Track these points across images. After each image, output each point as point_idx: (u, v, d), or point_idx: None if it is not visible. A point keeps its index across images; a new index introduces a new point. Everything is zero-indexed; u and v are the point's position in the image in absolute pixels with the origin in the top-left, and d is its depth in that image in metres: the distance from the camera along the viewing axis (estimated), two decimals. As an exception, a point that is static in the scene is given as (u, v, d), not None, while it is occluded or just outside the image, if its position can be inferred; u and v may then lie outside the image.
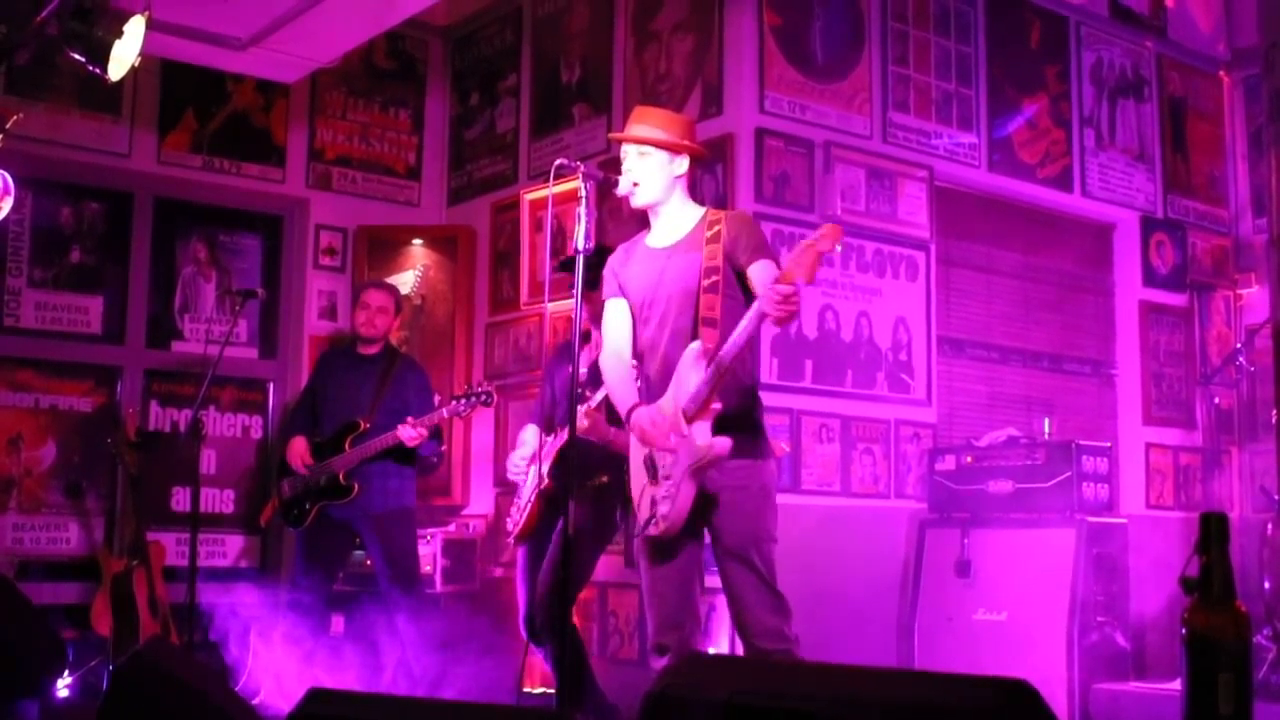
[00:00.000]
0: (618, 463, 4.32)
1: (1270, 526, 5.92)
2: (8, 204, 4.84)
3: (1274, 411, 5.45)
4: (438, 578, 6.61)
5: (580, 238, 3.85)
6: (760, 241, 3.91)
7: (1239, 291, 7.68)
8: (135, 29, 4.49)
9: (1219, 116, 7.82)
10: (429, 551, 6.63)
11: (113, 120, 6.81)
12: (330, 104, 7.46)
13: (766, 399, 4.14)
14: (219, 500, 6.96)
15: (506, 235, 7.16)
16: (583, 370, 4.80)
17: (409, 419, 5.69)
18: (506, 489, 6.43)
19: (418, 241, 7.48)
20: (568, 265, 4.91)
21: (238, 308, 6.50)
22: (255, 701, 5.47)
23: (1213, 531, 2.12)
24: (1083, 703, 5.30)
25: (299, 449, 5.90)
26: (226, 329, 6.37)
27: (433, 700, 4.20)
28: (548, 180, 3.90)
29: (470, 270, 7.36)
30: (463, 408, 5.66)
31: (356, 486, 5.77)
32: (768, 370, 5.65)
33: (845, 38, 6.18)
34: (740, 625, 3.82)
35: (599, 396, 4.58)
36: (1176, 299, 7.44)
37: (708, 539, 3.92)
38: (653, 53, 6.36)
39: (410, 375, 6.06)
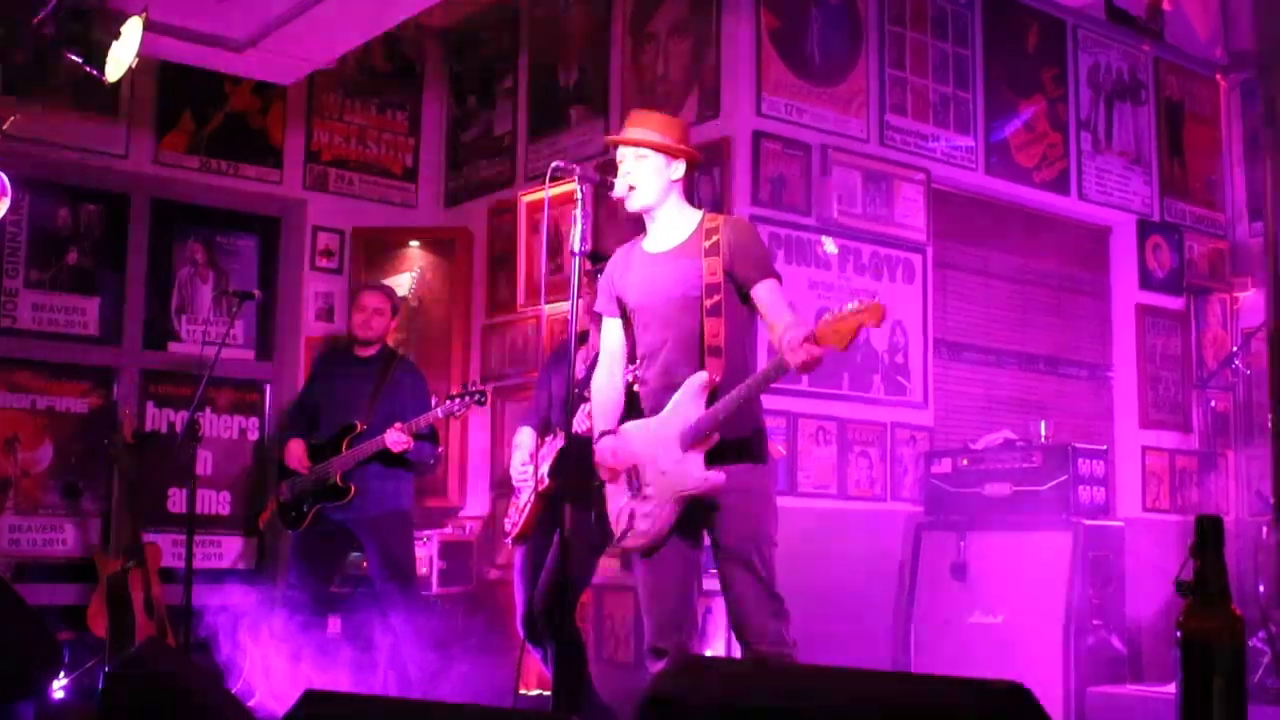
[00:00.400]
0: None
1: (1265, 530, 5.93)
2: (5, 205, 4.85)
3: (1269, 415, 5.46)
4: (434, 579, 6.61)
5: (576, 240, 3.85)
6: (763, 257, 3.91)
7: (1235, 295, 7.69)
8: (132, 30, 4.50)
9: (1216, 120, 7.83)
10: (426, 553, 6.63)
11: (110, 121, 6.80)
12: (327, 106, 7.46)
13: (764, 402, 4.13)
14: (215, 502, 6.96)
15: (503, 237, 7.16)
16: (581, 370, 4.81)
17: (396, 424, 5.69)
18: (503, 490, 6.43)
19: (415, 243, 7.48)
20: (596, 258, 4.91)
21: (235, 309, 6.50)
22: (251, 703, 5.47)
23: (1208, 535, 2.12)
24: (1078, 706, 5.30)
25: (296, 451, 5.91)
26: (223, 330, 6.36)
27: (429, 702, 4.19)
28: (545, 182, 3.90)
29: (467, 272, 7.36)
30: (457, 407, 5.67)
31: (353, 488, 5.77)
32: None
33: (842, 41, 6.19)
34: (739, 628, 3.82)
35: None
36: (1173, 302, 7.45)
37: (706, 541, 3.92)
38: (650, 55, 6.36)
39: (407, 378, 6.06)
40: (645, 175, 3.91)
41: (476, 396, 5.67)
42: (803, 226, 5.96)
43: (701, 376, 3.75)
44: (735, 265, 3.83)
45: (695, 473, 3.70)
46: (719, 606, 5.20)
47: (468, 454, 7.20)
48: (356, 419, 5.87)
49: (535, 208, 6.87)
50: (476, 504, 7.13)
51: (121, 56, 4.54)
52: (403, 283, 7.32)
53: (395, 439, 5.67)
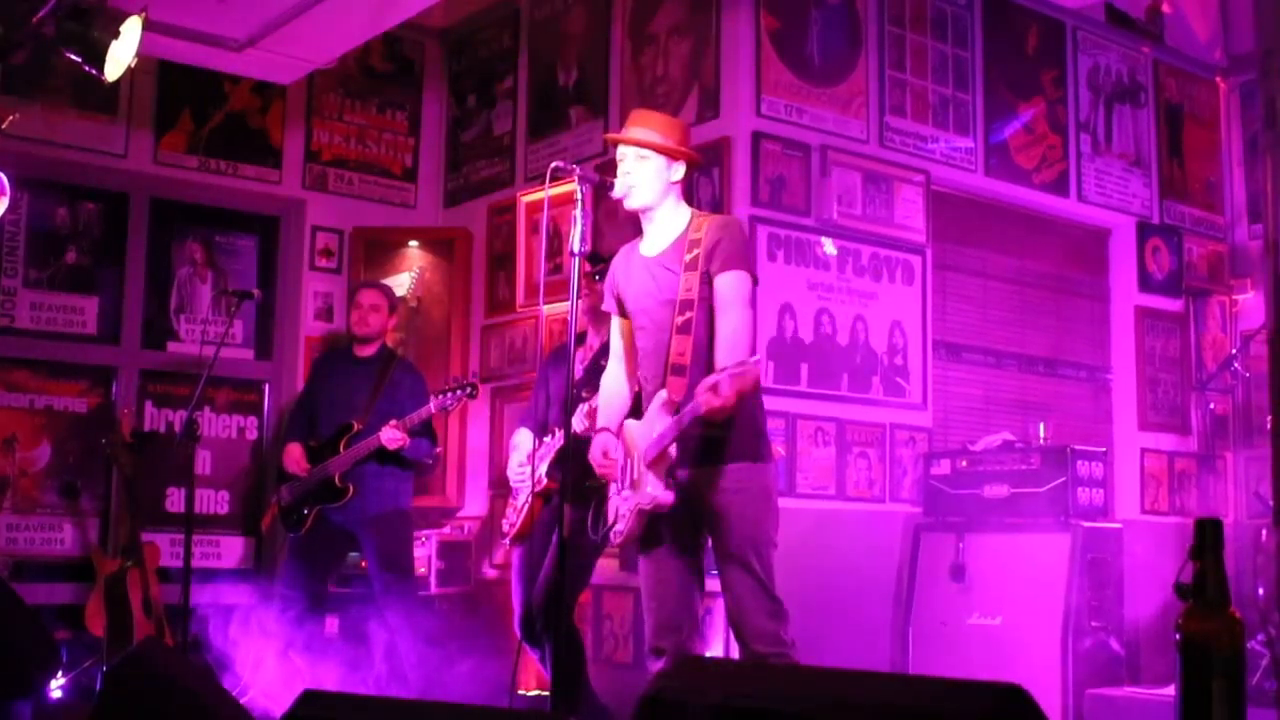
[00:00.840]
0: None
1: (1265, 532, 5.93)
2: (4, 204, 4.84)
3: (1269, 417, 5.46)
4: (433, 579, 6.61)
5: (576, 240, 3.86)
6: (735, 250, 3.83)
7: (1234, 297, 7.69)
8: (132, 29, 4.50)
9: (1215, 122, 7.83)
10: (424, 553, 6.63)
11: (109, 121, 6.80)
12: (327, 105, 7.46)
13: (763, 402, 4.13)
14: (214, 501, 6.95)
15: (503, 237, 7.16)
16: (579, 371, 4.81)
17: (391, 422, 5.69)
18: (501, 490, 6.43)
19: (414, 243, 7.48)
20: (595, 259, 4.92)
21: (233, 309, 6.50)
22: (244, 700, 5.46)
23: (1207, 537, 2.12)
24: (1076, 708, 5.30)
25: (294, 454, 5.91)
26: (222, 330, 6.36)
27: (427, 702, 4.19)
28: (544, 183, 3.90)
29: (466, 272, 7.36)
30: (449, 401, 5.67)
31: (352, 488, 5.77)
32: (764, 373, 5.65)
33: (842, 42, 6.19)
34: (737, 629, 3.83)
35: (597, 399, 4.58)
36: (1172, 304, 7.45)
37: (707, 542, 3.92)
38: (650, 56, 6.36)
39: (405, 378, 6.07)
40: (646, 176, 3.91)
41: (467, 389, 5.67)
42: (802, 227, 5.96)
43: (661, 395, 3.74)
44: (710, 265, 3.81)
45: (648, 490, 3.72)
46: (719, 607, 5.20)
47: (466, 454, 7.19)
48: (354, 419, 5.88)
49: (535, 208, 6.87)
50: (475, 504, 7.13)
51: (121, 56, 4.54)
52: (402, 283, 7.32)
53: (390, 436, 5.68)
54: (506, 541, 5.39)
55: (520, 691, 5.71)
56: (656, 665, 3.78)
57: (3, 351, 6.49)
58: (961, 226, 6.77)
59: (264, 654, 5.72)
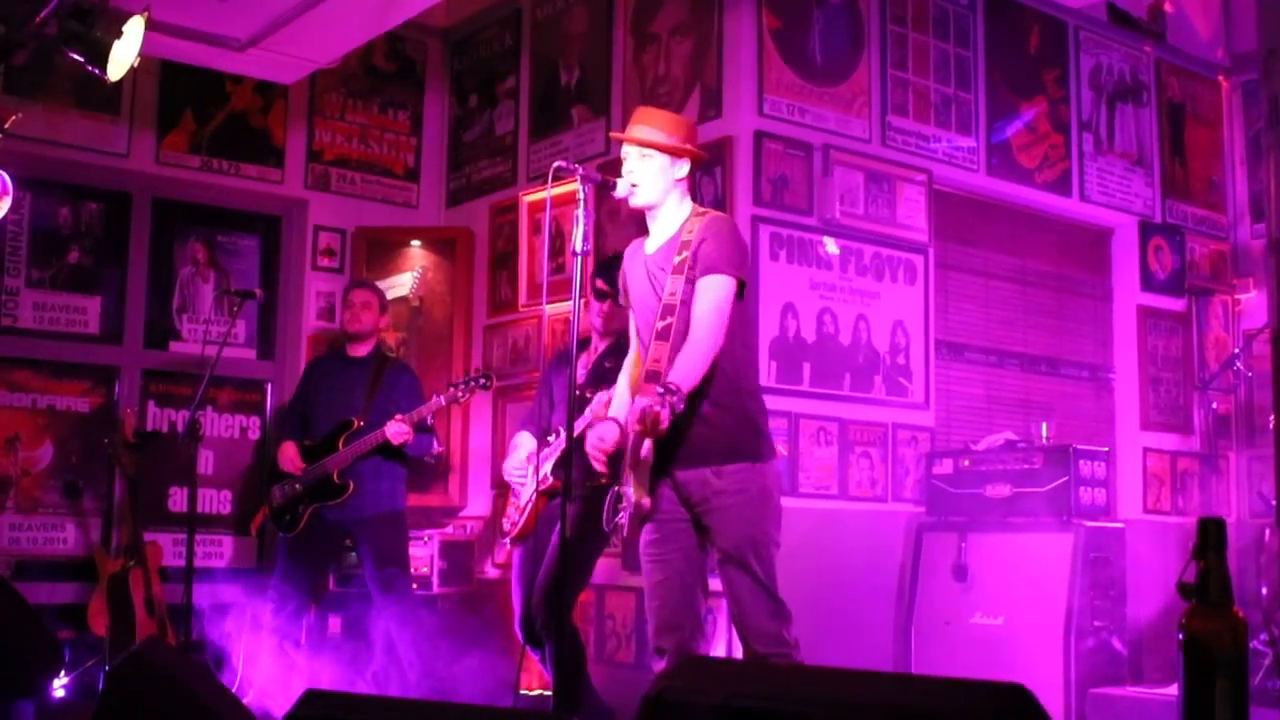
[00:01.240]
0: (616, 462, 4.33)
1: (1268, 532, 5.93)
2: (6, 204, 4.84)
3: (1272, 417, 5.45)
4: (435, 579, 6.62)
5: (578, 240, 3.86)
6: (719, 253, 3.77)
7: (1237, 296, 7.69)
8: (134, 29, 4.49)
9: (1218, 121, 7.83)
10: (426, 553, 6.63)
11: (111, 120, 6.80)
12: (329, 105, 7.46)
13: (764, 401, 4.13)
14: (216, 501, 6.96)
15: (505, 237, 7.16)
16: (581, 374, 4.81)
17: (396, 415, 5.69)
18: (502, 489, 6.43)
19: (416, 243, 7.48)
20: (603, 268, 4.91)
21: (236, 308, 6.50)
22: (245, 701, 5.47)
23: (1210, 537, 2.12)
24: (1079, 707, 5.30)
25: (289, 453, 5.90)
26: (224, 330, 6.37)
27: (428, 702, 4.19)
28: (546, 182, 3.91)
29: (468, 272, 7.36)
30: (461, 393, 5.67)
31: (351, 485, 5.77)
32: (766, 373, 5.65)
33: (844, 41, 6.18)
34: (739, 629, 3.82)
35: (603, 395, 4.57)
36: (1174, 304, 7.44)
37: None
38: (652, 55, 6.36)
39: (401, 378, 6.07)
40: (649, 174, 3.90)
41: (482, 380, 5.67)
42: (804, 227, 5.95)
43: (640, 401, 3.63)
44: (696, 266, 3.79)
45: (634, 495, 3.73)
46: (722, 608, 5.20)
47: (468, 454, 7.20)
48: (353, 417, 5.87)
49: (537, 208, 6.87)
50: (477, 504, 7.13)
51: (123, 56, 4.53)
52: (404, 282, 7.33)
53: (396, 430, 5.67)
54: (507, 541, 5.39)
55: (523, 691, 5.71)
56: (659, 665, 3.78)
57: (5, 351, 6.49)
58: (963, 226, 6.77)
59: (265, 653, 5.73)
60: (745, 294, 3.87)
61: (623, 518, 3.80)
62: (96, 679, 5.76)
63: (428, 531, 6.79)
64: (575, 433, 4.21)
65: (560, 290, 6.36)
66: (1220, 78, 7.84)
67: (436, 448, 6.39)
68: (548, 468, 5.11)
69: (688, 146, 3.94)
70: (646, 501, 3.72)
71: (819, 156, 6.02)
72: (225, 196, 7.14)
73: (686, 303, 3.77)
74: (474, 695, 5.50)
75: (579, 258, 3.85)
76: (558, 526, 4.85)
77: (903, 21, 6.43)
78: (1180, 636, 2.10)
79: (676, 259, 3.83)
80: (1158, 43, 7.58)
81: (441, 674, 5.69)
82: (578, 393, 4.51)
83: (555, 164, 3.91)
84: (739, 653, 3.97)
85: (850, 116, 6.16)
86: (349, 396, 5.94)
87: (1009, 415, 6.83)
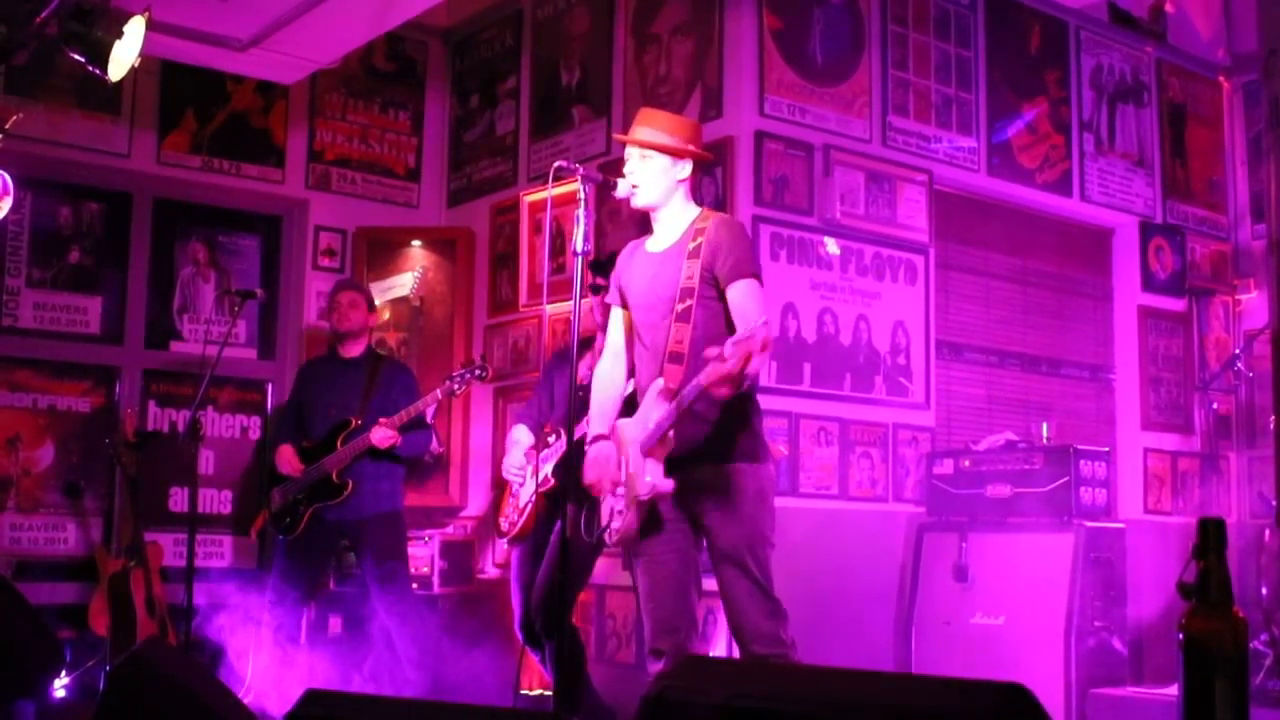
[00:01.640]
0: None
1: (1268, 533, 5.92)
2: (7, 204, 4.84)
3: (1272, 417, 5.45)
4: (435, 579, 6.62)
5: (579, 240, 3.86)
6: (742, 255, 3.83)
7: (1238, 297, 7.69)
8: (135, 29, 4.50)
9: (1218, 122, 7.83)
10: (426, 553, 6.63)
11: (112, 120, 6.81)
12: (330, 105, 7.47)
13: (765, 402, 4.13)
14: (217, 501, 6.96)
15: (505, 237, 7.16)
16: (584, 373, 4.80)
17: (380, 420, 5.68)
18: (500, 488, 6.43)
19: (417, 243, 7.48)
20: (598, 266, 4.91)
21: (236, 308, 6.49)
22: (245, 701, 5.47)
23: (1210, 537, 2.12)
24: (1080, 707, 5.30)
25: (286, 455, 5.89)
26: (225, 329, 6.37)
27: (429, 702, 4.20)
28: (547, 182, 3.91)
29: (469, 272, 7.36)
30: (458, 385, 5.65)
31: (351, 484, 5.76)
32: (766, 373, 5.65)
33: (845, 41, 6.19)
34: (736, 630, 3.82)
35: None
36: (1175, 304, 7.44)
37: (705, 542, 3.92)
38: (652, 55, 6.36)
39: (397, 376, 6.07)
40: (649, 175, 3.91)
41: (477, 370, 5.65)
42: (805, 227, 5.96)
43: (659, 383, 3.73)
44: (715, 264, 3.81)
45: (645, 479, 3.71)
46: (719, 608, 5.20)
47: (469, 454, 7.20)
48: (351, 417, 5.86)
49: (537, 207, 6.87)
50: (477, 503, 7.13)
51: (124, 56, 4.53)
52: (405, 282, 7.33)
53: (381, 435, 5.66)
54: (505, 541, 5.39)
55: (523, 691, 5.71)
56: (656, 667, 3.77)
57: (6, 351, 6.49)
58: (964, 226, 6.77)
59: (266, 653, 5.73)
60: None
61: (616, 526, 3.80)
62: (97, 679, 5.76)
63: (428, 531, 6.80)
64: (576, 434, 4.20)
65: (561, 290, 6.36)
66: (1221, 78, 7.84)
67: (436, 446, 6.38)
68: (547, 469, 5.11)
69: (689, 147, 3.94)
70: (669, 485, 3.70)
71: (819, 156, 6.03)
72: (226, 196, 7.14)
73: (704, 292, 3.80)
74: (474, 695, 5.51)
75: (580, 258, 3.85)
76: (558, 526, 4.86)
77: (903, 22, 6.43)
78: (1180, 637, 2.10)
79: (691, 245, 3.85)
80: (1159, 43, 7.58)
81: (441, 674, 5.69)
82: (580, 394, 4.51)
83: (556, 164, 3.90)
84: (738, 653, 3.97)
85: (851, 117, 6.16)
86: (345, 397, 5.93)
87: (1009, 415, 6.82)
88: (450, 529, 7.05)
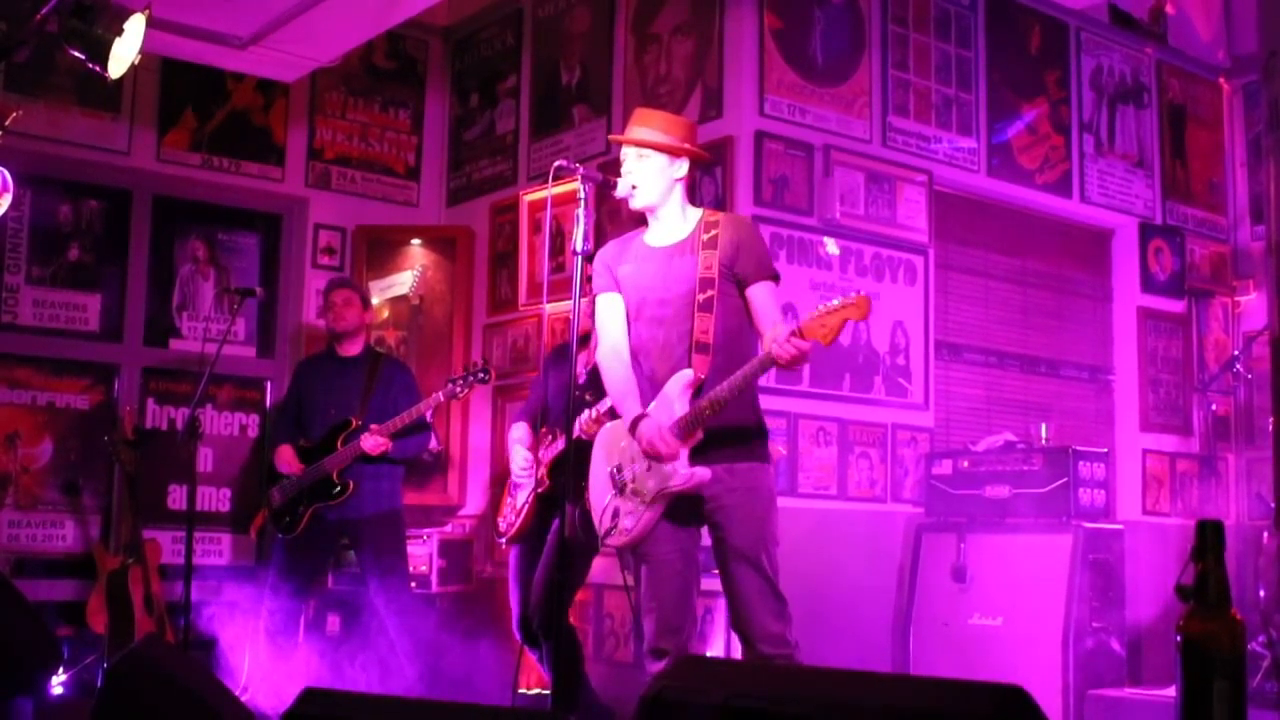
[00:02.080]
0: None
1: (1266, 535, 5.92)
2: (6, 201, 4.83)
3: (1270, 419, 5.45)
4: (434, 578, 6.61)
5: (579, 239, 3.85)
6: (761, 257, 3.90)
7: (1237, 298, 7.69)
8: (135, 27, 4.49)
9: (1218, 123, 7.83)
10: (425, 552, 6.63)
11: (112, 118, 6.80)
12: (330, 103, 7.46)
13: (764, 402, 4.13)
14: (215, 499, 6.96)
15: (505, 236, 7.16)
16: (581, 372, 4.80)
17: (371, 427, 5.67)
18: (499, 487, 6.43)
19: (416, 242, 7.48)
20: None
21: (236, 306, 6.49)
22: (244, 698, 5.47)
23: (1208, 539, 2.12)
24: (1077, 708, 5.30)
25: (286, 455, 5.88)
26: (224, 327, 6.37)
27: (427, 700, 4.19)
28: (547, 182, 3.91)
29: (469, 271, 7.36)
30: (460, 388, 5.64)
31: (351, 484, 5.76)
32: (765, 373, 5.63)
33: (845, 41, 6.19)
34: (742, 629, 3.81)
35: (606, 404, 4.55)
36: (1174, 305, 7.44)
37: (705, 541, 3.91)
38: (653, 55, 6.36)
39: (396, 375, 6.06)
40: (647, 174, 3.91)
41: (480, 374, 5.64)
42: (805, 227, 5.96)
43: (686, 373, 3.76)
44: (735, 261, 3.83)
45: (681, 469, 3.70)
46: (719, 607, 5.20)
47: (468, 453, 7.19)
48: (351, 417, 5.86)
49: (537, 207, 6.87)
50: (476, 502, 7.13)
51: (124, 53, 4.53)
52: (404, 281, 7.32)
53: (372, 443, 5.65)
54: (503, 541, 5.39)
55: (521, 690, 5.71)
56: (657, 667, 3.76)
57: (5, 348, 6.49)
58: (964, 227, 6.77)
59: (264, 651, 5.73)
60: None
61: (628, 525, 3.78)
62: (95, 676, 5.76)
63: (427, 530, 6.79)
64: (574, 433, 4.20)
65: (560, 289, 6.35)
66: (1221, 80, 7.84)
67: (435, 445, 6.37)
68: (542, 471, 5.11)
69: (685, 145, 3.95)
70: (707, 473, 3.70)
71: (819, 157, 6.03)
72: (226, 194, 7.14)
73: (723, 285, 3.81)
74: (472, 694, 5.51)
75: (579, 257, 3.85)
76: (556, 526, 4.86)
77: (904, 22, 6.43)
78: (1178, 638, 2.10)
79: (705, 236, 3.87)
80: (1159, 44, 7.58)
81: (439, 672, 5.69)
82: (577, 394, 4.50)
83: (556, 163, 3.91)
84: (738, 653, 3.96)
85: (851, 117, 6.16)
86: (345, 396, 5.92)
87: (1008, 416, 6.83)
88: (449, 528, 7.05)
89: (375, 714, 2.42)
